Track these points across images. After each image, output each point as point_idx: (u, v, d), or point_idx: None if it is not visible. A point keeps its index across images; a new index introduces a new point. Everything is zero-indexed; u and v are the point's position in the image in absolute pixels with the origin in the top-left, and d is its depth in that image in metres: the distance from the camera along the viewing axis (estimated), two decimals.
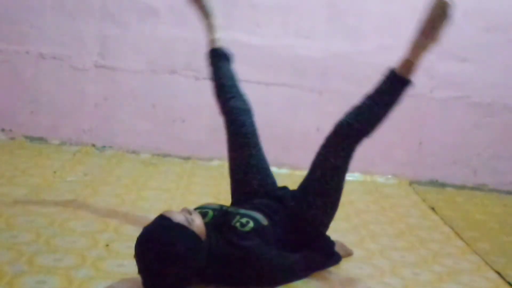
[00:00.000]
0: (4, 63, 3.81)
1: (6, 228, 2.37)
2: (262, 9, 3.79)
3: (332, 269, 2.29)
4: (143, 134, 3.89)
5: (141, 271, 1.86)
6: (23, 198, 2.79)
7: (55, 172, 3.28)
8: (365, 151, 4.11)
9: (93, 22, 3.78)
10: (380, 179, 3.89)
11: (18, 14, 3.77)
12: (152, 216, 1.99)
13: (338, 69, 3.84)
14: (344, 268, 2.33)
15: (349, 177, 3.80)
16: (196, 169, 3.71)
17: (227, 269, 1.97)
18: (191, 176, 3.54)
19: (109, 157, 3.75)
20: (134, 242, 1.87)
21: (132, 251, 1.88)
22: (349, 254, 2.45)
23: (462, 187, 3.91)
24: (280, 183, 2.47)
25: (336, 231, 2.59)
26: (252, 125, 2.48)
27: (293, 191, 2.36)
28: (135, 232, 2.00)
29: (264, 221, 2.11)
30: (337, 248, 2.36)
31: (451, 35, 3.83)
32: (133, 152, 3.87)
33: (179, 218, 1.88)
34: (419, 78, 3.82)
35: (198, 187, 3.32)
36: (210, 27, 2.66)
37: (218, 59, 2.61)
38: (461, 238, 2.86)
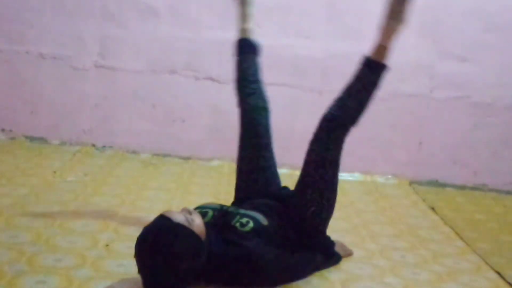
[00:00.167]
0: (4, 63, 3.81)
1: (6, 228, 2.37)
2: (262, 9, 3.77)
3: (332, 269, 2.29)
4: (143, 134, 3.89)
5: (141, 271, 1.86)
6: (23, 198, 2.79)
7: (55, 172, 3.28)
8: (365, 151, 4.11)
9: (93, 22, 3.79)
10: (380, 179, 3.88)
11: (18, 14, 3.77)
12: (152, 216, 1.99)
13: (338, 69, 3.82)
14: (344, 268, 2.32)
15: (349, 177, 3.86)
16: (196, 169, 3.71)
17: (227, 269, 1.97)
18: (191, 176, 3.54)
19: (109, 157, 3.75)
20: (134, 242, 1.87)
21: (132, 251, 1.88)
22: (349, 254, 2.45)
23: (462, 187, 3.90)
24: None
25: (336, 231, 2.59)
26: (267, 125, 2.47)
27: (292, 191, 2.36)
28: (135, 232, 2.00)
29: (264, 221, 2.11)
30: (337, 248, 2.37)
31: (451, 35, 3.88)
32: (133, 152, 3.87)
33: (179, 218, 1.88)
34: (419, 78, 3.86)
35: (198, 187, 3.32)
36: (243, 16, 2.61)
37: (246, 50, 2.57)
38: (461, 238, 2.85)
